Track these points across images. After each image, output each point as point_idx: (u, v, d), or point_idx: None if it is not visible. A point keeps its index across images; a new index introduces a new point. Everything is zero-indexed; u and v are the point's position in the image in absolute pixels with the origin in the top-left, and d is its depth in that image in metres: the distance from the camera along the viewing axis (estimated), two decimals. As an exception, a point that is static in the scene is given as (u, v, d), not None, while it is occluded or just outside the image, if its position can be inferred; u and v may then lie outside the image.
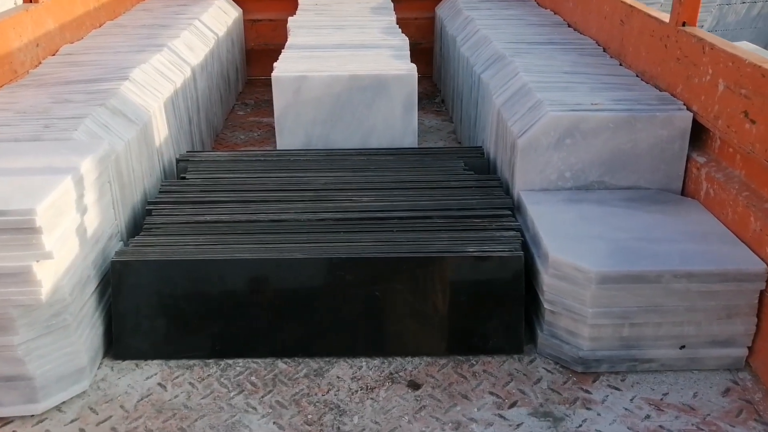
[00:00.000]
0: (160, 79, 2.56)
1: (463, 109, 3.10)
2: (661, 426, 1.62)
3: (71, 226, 1.70)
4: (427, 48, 4.16)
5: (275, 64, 2.59)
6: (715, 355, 1.77)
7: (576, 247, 1.78)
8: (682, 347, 1.76)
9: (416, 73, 2.51)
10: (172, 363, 1.83)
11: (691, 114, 2.05)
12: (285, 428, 1.63)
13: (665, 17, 2.28)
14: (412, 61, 2.64)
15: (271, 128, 3.16)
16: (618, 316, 1.72)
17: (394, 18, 3.43)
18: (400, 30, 3.16)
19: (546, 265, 1.78)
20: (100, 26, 3.24)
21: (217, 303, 1.85)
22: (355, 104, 2.48)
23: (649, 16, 2.38)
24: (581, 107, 2.08)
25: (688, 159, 2.09)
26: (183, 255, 1.87)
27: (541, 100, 2.13)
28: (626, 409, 1.67)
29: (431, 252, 1.84)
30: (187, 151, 2.52)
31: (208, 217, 2.05)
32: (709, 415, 1.65)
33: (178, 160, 2.44)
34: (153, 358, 1.84)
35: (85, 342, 1.73)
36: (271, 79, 2.48)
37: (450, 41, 3.48)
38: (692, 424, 1.62)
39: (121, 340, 1.85)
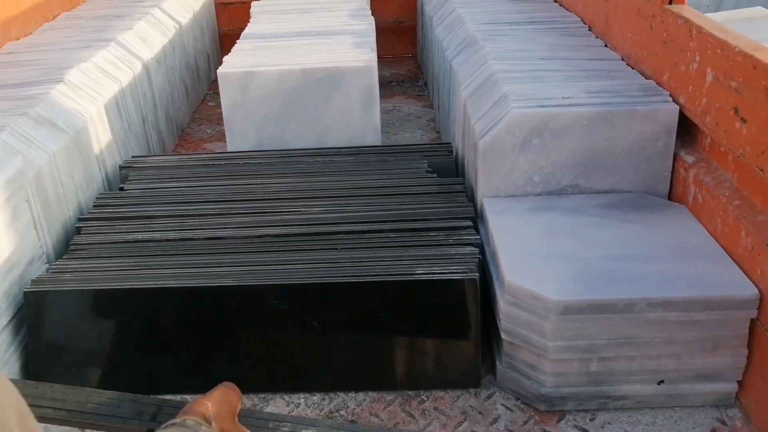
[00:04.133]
0: (103, 79, 2.35)
1: (440, 96, 2.85)
2: (631, 480, 1.40)
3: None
4: (410, 26, 3.90)
5: (225, 58, 2.37)
6: (699, 391, 1.54)
7: (537, 270, 1.55)
8: (661, 382, 1.53)
9: (376, 65, 2.26)
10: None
11: (678, 107, 1.79)
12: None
13: (651, -6, 2.01)
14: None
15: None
16: (584, 350, 1.49)
17: (367, -4, 3.18)
18: (369, 12, 2.91)
19: (502, 290, 1.56)
20: (53, 18, 3.03)
21: (140, 337, 1.66)
22: (310, 100, 2.25)
23: (635, -8, 2.11)
24: (551, 102, 1.84)
25: (675, 158, 1.84)
26: (103, 283, 1.67)
27: (506, 95, 1.89)
28: (594, 456, 1.46)
29: (375, 275, 1.62)
30: (133, 157, 2.32)
31: (139, 236, 1.85)
32: (689, 464, 1.43)
33: (121, 168, 2.24)
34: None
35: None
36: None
37: (428, 20, 3.21)
38: (668, 477, 1.41)
39: (39, 379, 1.66)
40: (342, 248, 1.75)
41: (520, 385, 1.58)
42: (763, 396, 1.46)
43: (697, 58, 1.71)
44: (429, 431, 1.54)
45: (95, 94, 2.24)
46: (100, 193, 2.07)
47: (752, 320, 1.47)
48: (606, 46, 2.33)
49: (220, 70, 2.24)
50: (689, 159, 1.79)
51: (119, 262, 1.75)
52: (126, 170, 2.21)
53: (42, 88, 2.14)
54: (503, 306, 1.55)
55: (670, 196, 1.87)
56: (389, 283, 1.60)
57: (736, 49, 1.53)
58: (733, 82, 1.55)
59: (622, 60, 2.18)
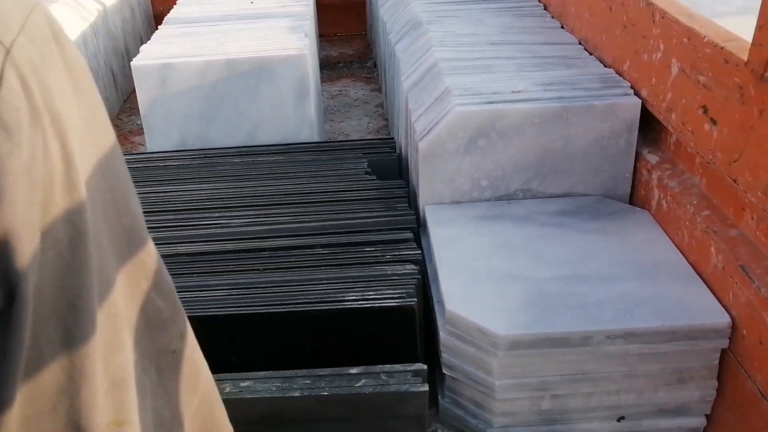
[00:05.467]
0: None
1: (386, 82, 2.63)
2: None
3: None
4: (359, 1, 3.65)
5: (142, 48, 2.11)
6: (663, 427, 1.36)
7: (481, 296, 1.35)
8: (621, 419, 1.36)
9: (308, 53, 2.03)
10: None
11: (640, 101, 1.60)
12: None
13: (610, -29, 1.80)
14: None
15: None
16: (535, 387, 1.31)
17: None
18: (311, -11, 2.67)
19: (443, 319, 1.36)
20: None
21: None
22: (236, 94, 2.01)
23: (592, -32, 1.90)
24: (499, 98, 1.63)
25: (638, 157, 1.65)
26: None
27: (449, 89, 1.68)
28: None
29: (298, 304, 1.41)
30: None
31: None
32: None
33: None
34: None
35: None
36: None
37: (374, -1, 2.98)
38: None
39: None
40: (264, 269, 1.54)
41: (465, 423, 1.40)
42: (735, 431, 1.30)
43: (662, 47, 1.51)
44: (362, 479, 1.35)
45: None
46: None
47: (723, 350, 1.30)
48: (563, 27, 2.13)
49: (135, 62, 1.99)
50: (652, 159, 1.60)
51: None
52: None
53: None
54: (444, 337, 1.35)
55: (632, 200, 1.69)
56: (315, 312, 1.39)
57: (705, 39, 1.33)
58: (701, 77, 1.35)
59: (580, 44, 1.98)
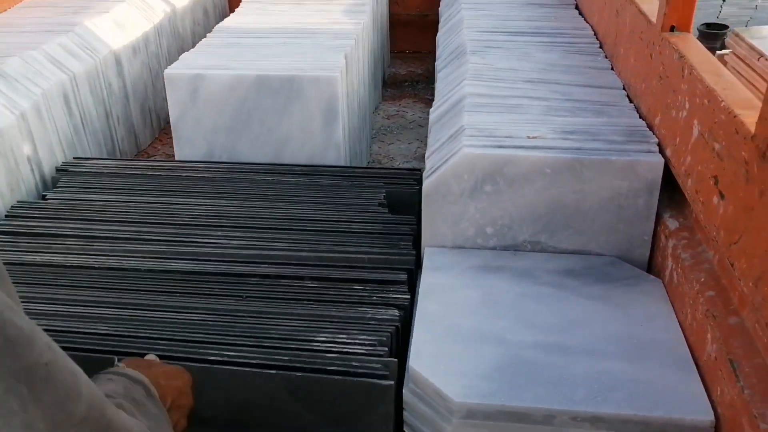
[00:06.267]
0: (51, 70, 2.17)
1: (435, 108, 2.56)
2: None
3: None
4: (436, 20, 3.58)
5: (181, 56, 2.14)
6: None
7: (449, 356, 1.27)
8: None
9: (339, 75, 1.99)
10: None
11: (663, 161, 1.47)
12: None
13: (655, 14, 1.67)
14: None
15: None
16: (492, 462, 1.22)
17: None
18: (369, 8, 2.62)
19: (408, 376, 1.29)
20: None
21: None
22: (265, 110, 2.00)
23: (641, 10, 1.77)
24: (511, 142, 1.54)
25: (659, 220, 1.52)
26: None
27: (464, 128, 1.60)
28: None
29: (264, 338, 1.37)
30: (74, 158, 2.13)
31: (37, 258, 1.66)
32: None
33: (57, 170, 2.06)
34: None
35: None
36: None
37: (440, 18, 2.90)
38: None
39: None
40: (247, 297, 1.51)
41: (422, 486, 1.32)
42: None
43: (687, 106, 1.38)
44: None
45: (34, 87, 2.05)
46: (18, 201, 1.89)
47: (705, 451, 1.17)
48: (612, 69, 2.00)
49: (168, 70, 2.02)
50: (672, 225, 1.47)
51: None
52: (60, 174, 2.03)
53: (-28, 81, 1.97)
54: (406, 394, 1.28)
55: (650, 265, 1.56)
56: (282, 354, 1.35)
57: (722, 104, 1.20)
58: (716, 144, 1.23)
59: (623, 90, 1.85)
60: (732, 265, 1.12)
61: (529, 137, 1.56)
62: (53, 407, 0.58)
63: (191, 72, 1.99)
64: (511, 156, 1.50)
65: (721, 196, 1.19)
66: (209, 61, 2.08)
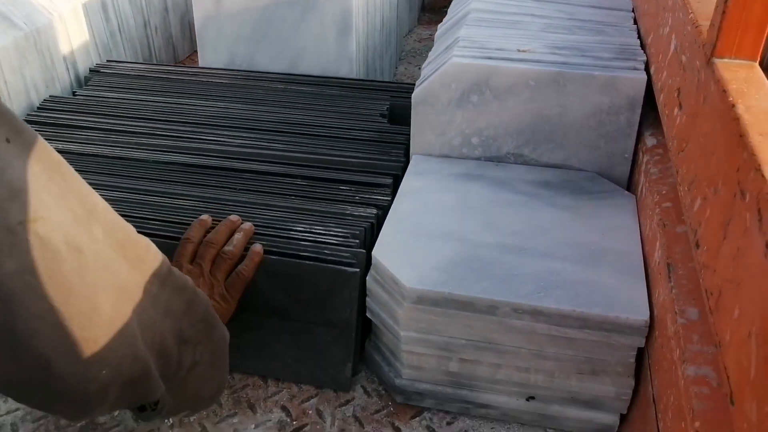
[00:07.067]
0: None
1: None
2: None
3: None
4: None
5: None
6: (574, 417, 1.31)
7: (410, 249, 1.35)
8: (531, 399, 1.32)
9: (353, -12, 2.03)
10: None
11: (645, 78, 1.48)
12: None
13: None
14: None
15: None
16: (440, 346, 1.30)
17: None
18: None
19: (372, 265, 1.38)
20: None
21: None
22: (282, 22, 2.07)
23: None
24: (501, 54, 1.57)
25: (640, 138, 1.54)
26: None
27: (458, 39, 1.64)
28: (430, 465, 1.29)
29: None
30: (108, 60, 2.25)
31: (59, 146, 1.79)
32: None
33: (90, 71, 2.19)
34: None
35: None
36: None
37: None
38: None
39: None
40: (240, 189, 1.61)
41: (380, 370, 1.42)
42: (647, 437, 1.23)
43: (669, 22, 1.39)
44: (275, 400, 1.42)
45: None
46: (51, 96, 2.03)
47: (640, 350, 1.22)
48: (628, -8, 1.98)
49: (192, -21, 2.10)
50: (650, 142, 1.49)
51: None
52: (93, 74, 2.16)
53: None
54: (369, 281, 1.37)
55: (629, 183, 1.58)
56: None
57: (690, 16, 1.21)
58: (683, 56, 1.24)
59: (632, 12, 1.84)
60: (677, 172, 1.15)
61: (519, 50, 1.58)
62: (87, 196, 0.83)
63: (213, -20, 2.07)
64: (497, 67, 1.54)
65: (680, 106, 1.21)
66: (233, -30, 2.15)
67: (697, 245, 0.97)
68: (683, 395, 0.95)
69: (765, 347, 0.69)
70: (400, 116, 1.90)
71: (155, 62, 2.63)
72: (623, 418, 1.30)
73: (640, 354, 1.23)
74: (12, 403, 1.35)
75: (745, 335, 0.74)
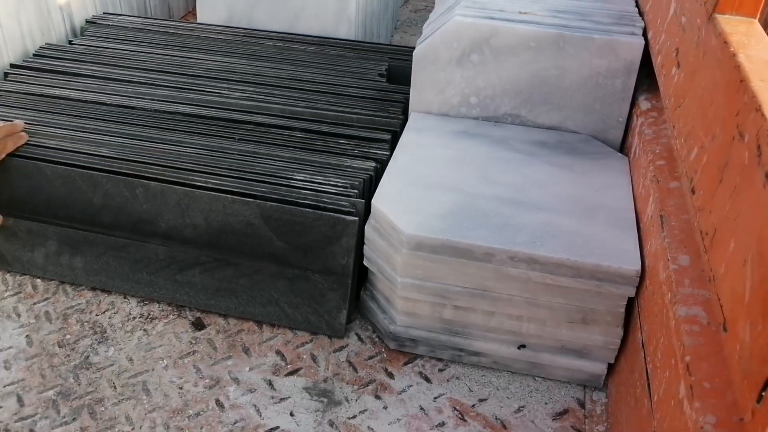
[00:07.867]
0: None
1: None
2: (441, 443, 1.27)
3: None
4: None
5: None
6: (563, 365, 1.36)
7: (409, 198, 1.38)
8: (522, 347, 1.36)
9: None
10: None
11: (643, 42, 1.52)
12: (33, 344, 1.42)
13: None
14: None
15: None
16: (435, 293, 1.33)
17: None
18: None
19: (371, 214, 1.41)
20: None
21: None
22: (281, -20, 2.08)
23: None
24: (502, 15, 1.60)
25: (634, 102, 1.58)
26: None
27: (461, 0, 1.66)
28: (422, 408, 1.32)
29: (246, 173, 1.50)
30: (104, 13, 2.24)
31: (57, 92, 1.79)
32: (513, 441, 1.28)
33: (86, 22, 2.18)
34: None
35: None
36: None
37: None
38: (482, 450, 1.26)
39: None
40: (239, 139, 1.63)
41: (375, 317, 1.45)
42: (622, 385, 1.27)
43: (669, -14, 1.42)
44: (270, 344, 1.44)
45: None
46: (46, 44, 2.02)
47: (630, 300, 1.27)
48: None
49: (193, -67, 2.10)
50: (645, 105, 1.53)
51: (24, 114, 1.70)
52: (89, 25, 2.15)
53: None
54: (367, 230, 1.40)
55: (622, 147, 1.62)
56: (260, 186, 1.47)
57: (692, -23, 1.25)
58: (683, 18, 1.27)
59: (630, -18, 1.87)
60: (673, 126, 1.19)
61: (520, 12, 1.61)
62: None
63: (214, -64, 2.07)
64: (498, 27, 1.56)
65: (678, 65, 1.24)
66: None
67: (693, 191, 1.01)
68: (674, 334, 0.99)
69: (760, 270, 0.73)
70: (398, 77, 1.92)
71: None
72: (611, 368, 1.34)
73: (630, 305, 1.28)
74: (16, 374, 1.36)
75: (741, 264, 0.78)
